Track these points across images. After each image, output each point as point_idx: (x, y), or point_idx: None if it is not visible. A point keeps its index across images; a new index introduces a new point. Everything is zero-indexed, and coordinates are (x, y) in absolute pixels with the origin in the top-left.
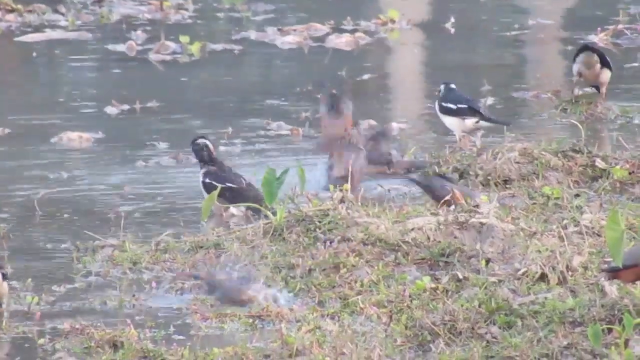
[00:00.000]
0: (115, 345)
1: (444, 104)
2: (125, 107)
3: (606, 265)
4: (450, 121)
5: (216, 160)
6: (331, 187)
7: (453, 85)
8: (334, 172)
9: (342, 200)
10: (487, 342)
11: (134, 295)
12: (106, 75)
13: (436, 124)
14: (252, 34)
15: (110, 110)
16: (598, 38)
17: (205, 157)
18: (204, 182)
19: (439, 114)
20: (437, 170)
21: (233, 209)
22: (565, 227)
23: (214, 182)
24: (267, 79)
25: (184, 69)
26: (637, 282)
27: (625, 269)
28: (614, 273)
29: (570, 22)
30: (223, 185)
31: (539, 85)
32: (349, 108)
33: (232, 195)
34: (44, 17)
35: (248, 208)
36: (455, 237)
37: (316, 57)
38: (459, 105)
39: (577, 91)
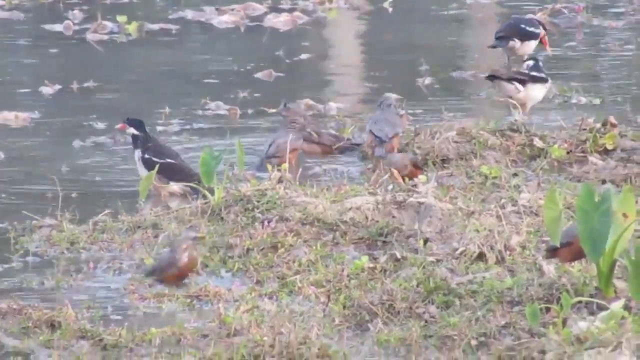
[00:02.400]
0: (53, 326)
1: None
2: (58, 87)
3: (545, 245)
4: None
5: (152, 138)
6: (269, 166)
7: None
8: (269, 151)
9: (280, 180)
10: (425, 321)
11: (71, 276)
12: (43, 55)
13: (375, 102)
14: (189, 14)
15: (45, 90)
16: (537, 17)
17: (141, 137)
18: (143, 158)
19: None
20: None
21: (174, 186)
22: (503, 207)
23: (153, 158)
24: (204, 58)
25: (121, 49)
26: (574, 261)
27: (563, 247)
28: (552, 252)
29: (508, 1)
30: (162, 161)
31: (477, 64)
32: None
33: (172, 171)
34: None
35: (187, 187)
36: (394, 217)
37: (254, 36)
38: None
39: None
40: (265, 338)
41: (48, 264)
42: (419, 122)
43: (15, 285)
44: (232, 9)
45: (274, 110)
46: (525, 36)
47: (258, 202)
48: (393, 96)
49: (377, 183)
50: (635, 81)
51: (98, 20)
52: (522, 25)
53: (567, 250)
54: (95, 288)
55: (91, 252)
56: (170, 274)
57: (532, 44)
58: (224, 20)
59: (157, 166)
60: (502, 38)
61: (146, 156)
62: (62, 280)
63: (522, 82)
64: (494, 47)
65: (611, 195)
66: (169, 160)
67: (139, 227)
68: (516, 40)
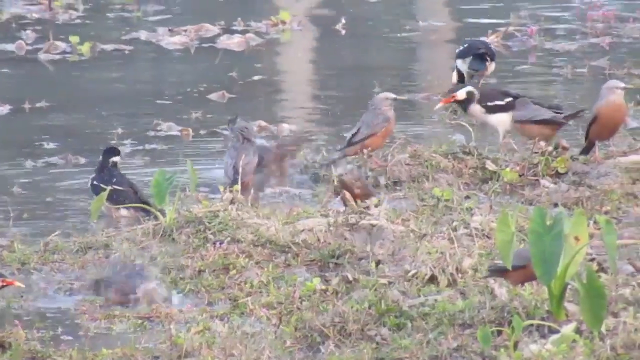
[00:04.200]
0: (3, 347)
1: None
2: (9, 107)
3: (492, 266)
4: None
5: (108, 167)
6: (221, 187)
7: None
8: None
9: (232, 202)
10: (377, 343)
11: (21, 296)
12: None
13: (328, 124)
14: (143, 34)
15: None
16: (489, 40)
17: (99, 163)
18: (92, 185)
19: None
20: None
21: (123, 210)
22: (455, 229)
23: (101, 185)
24: (157, 79)
25: (74, 69)
26: (526, 284)
27: (515, 270)
28: (502, 274)
29: (461, 23)
30: (110, 187)
31: (429, 87)
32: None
33: (119, 196)
34: None
35: (138, 209)
36: (346, 239)
37: (207, 57)
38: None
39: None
40: (216, 359)
41: None
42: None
43: None
44: (185, 30)
45: (226, 132)
46: (494, 56)
47: (210, 223)
48: (383, 96)
49: (329, 205)
50: (587, 105)
51: (50, 40)
52: (490, 45)
53: (519, 272)
54: (46, 308)
55: (42, 273)
56: (123, 301)
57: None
58: (174, 41)
59: (107, 191)
60: (481, 57)
61: (95, 182)
62: (13, 301)
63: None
64: (475, 70)
65: (563, 219)
66: (115, 186)
67: (90, 247)
68: (489, 60)
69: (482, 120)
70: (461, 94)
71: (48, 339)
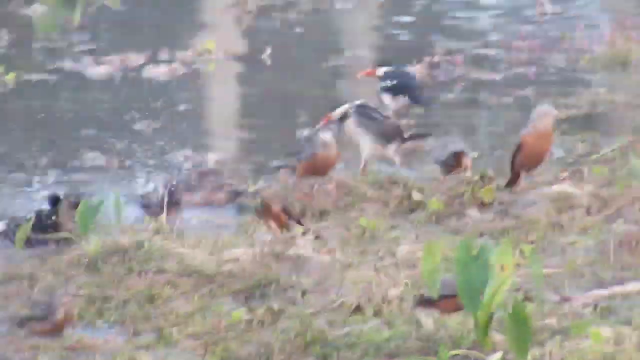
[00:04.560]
0: None
1: None
2: None
3: (419, 296)
4: None
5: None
6: (146, 218)
7: None
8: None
9: (158, 231)
10: None
11: None
12: None
13: (254, 153)
14: (68, 64)
15: None
16: (415, 70)
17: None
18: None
19: None
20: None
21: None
22: (381, 259)
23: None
24: (82, 109)
25: None
26: (452, 313)
27: (443, 300)
28: (431, 304)
29: (387, 53)
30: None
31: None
32: None
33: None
34: None
35: (62, 239)
36: (272, 269)
37: (133, 87)
38: None
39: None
40: None
41: None
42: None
43: None
44: (111, 60)
45: (152, 162)
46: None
47: (135, 253)
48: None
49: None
50: (511, 133)
51: None
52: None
53: (448, 302)
54: None
55: None
56: (44, 329)
57: None
58: (100, 71)
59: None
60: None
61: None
62: None
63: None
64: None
65: (489, 248)
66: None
67: (14, 278)
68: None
69: (355, 138)
70: (336, 113)
71: None
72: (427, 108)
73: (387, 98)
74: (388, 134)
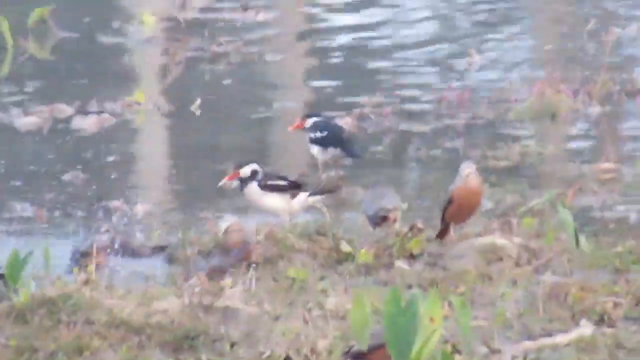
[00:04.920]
0: None
1: None
2: None
3: (348, 348)
4: None
5: None
6: (74, 269)
7: None
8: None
9: (86, 282)
10: None
11: None
12: None
13: (182, 205)
14: None
15: None
16: (344, 121)
17: None
18: None
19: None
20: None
21: None
22: (309, 311)
23: None
24: (10, 160)
25: None
26: None
27: (373, 352)
28: (361, 356)
29: (316, 105)
30: None
31: (284, 168)
32: None
33: None
34: None
35: None
36: (200, 320)
37: (61, 138)
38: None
39: (324, 175)
40: None
41: None
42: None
43: None
44: (40, 111)
45: (80, 213)
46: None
47: (63, 304)
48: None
49: (184, 286)
50: (441, 185)
51: None
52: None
53: (378, 353)
54: None
55: None
56: None
57: None
58: (28, 122)
59: None
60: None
61: None
62: None
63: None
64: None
65: (418, 300)
66: None
67: None
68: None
69: (257, 202)
70: (245, 171)
71: None
72: (357, 159)
73: (316, 149)
74: (293, 189)
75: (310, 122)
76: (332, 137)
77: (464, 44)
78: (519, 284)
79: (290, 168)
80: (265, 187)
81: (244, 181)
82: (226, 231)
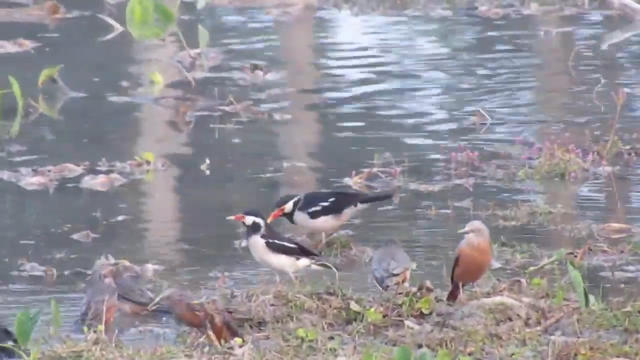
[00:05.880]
0: None
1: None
2: None
3: None
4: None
5: None
6: (84, 328)
7: None
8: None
9: (96, 342)
10: None
11: None
12: None
13: (192, 264)
14: (5, 174)
15: None
16: (352, 181)
17: None
18: None
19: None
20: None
21: None
22: None
23: None
24: (20, 219)
25: None
26: None
27: None
28: None
29: (325, 164)
30: None
31: (292, 227)
32: None
33: None
34: None
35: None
36: None
37: (70, 197)
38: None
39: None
40: None
41: None
42: (237, 284)
43: None
44: (50, 170)
45: (90, 272)
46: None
47: None
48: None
49: (194, 345)
50: (450, 244)
51: None
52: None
53: None
54: None
55: None
56: None
57: None
58: (36, 181)
59: None
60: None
61: None
62: None
63: None
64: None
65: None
66: None
67: None
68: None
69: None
70: (289, 207)
71: None
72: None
73: (322, 220)
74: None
75: (290, 205)
76: (345, 198)
77: (472, 103)
78: (528, 344)
79: (295, 228)
80: (271, 245)
81: (248, 232)
82: (168, 299)
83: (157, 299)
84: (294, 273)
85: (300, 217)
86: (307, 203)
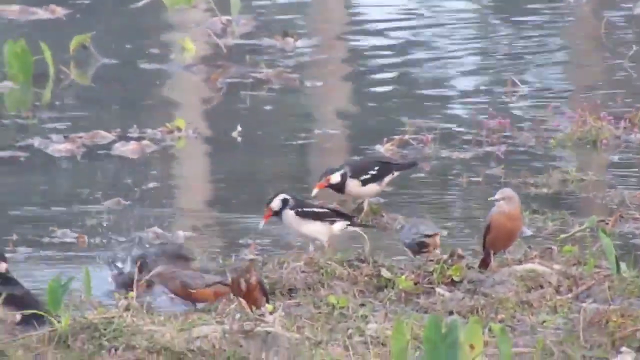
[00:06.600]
0: None
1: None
2: None
3: None
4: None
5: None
6: (116, 294)
7: None
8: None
9: (127, 308)
10: None
11: None
12: None
13: (223, 232)
14: (37, 142)
15: None
16: (384, 148)
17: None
18: None
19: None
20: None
21: (18, 316)
22: (350, 337)
23: None
24: (51, 186)
25: None
26: None
27: None
28: None
29: (357, 132)
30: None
31: (324, 194)
32: None
33: (14, 301)
34: None
35: (32, 315)
36: (241, 346)
37: (102, 164)
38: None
39: (366, 204)
40: None
41: None
42: (267, 251)
43: None
44: (80, 137)
45: (122, 239)
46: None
47: (105, 329)
48: None
49: (225, 311)
50: (481, 212)
51: None
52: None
53: None
54: None
55: None
56: None
57: None
58: (71, 148)
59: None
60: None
61: None
62: None
63: None
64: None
65: (458, 327)
66: (12, 292)
67: None
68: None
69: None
70: (335, 177)
71: None
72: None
73: (368, 188)
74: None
75: (336, 176)
76: (386, 166)
77: (504, 71)
78: (559, 311)
79: (329, 196)
80: (301, 214)
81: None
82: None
83: (148, 276)
84: (328, 239)
85: (352, 184)
86: (356, 172)
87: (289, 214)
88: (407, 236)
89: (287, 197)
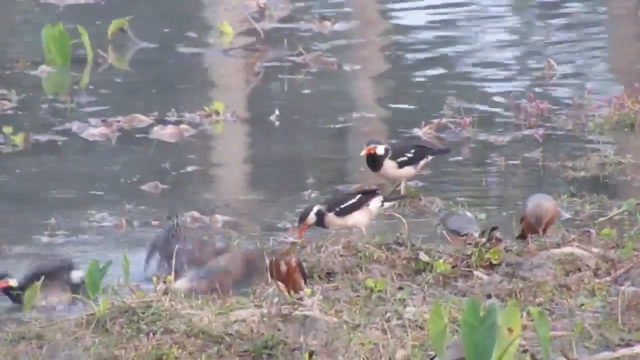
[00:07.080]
0: None
1: None
2: None
3: (426, 358)
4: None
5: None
6: (154, 278)
7: None
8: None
9: (165, 292)
10: None
11: None
12: None
13: (261, 215)
14: (75, 125)
15: None
16: (422, 132)
17: None
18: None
19: None
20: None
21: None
22: (388, 320)
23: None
24: (89, 170)
25: (7, 160)
26: None
27: None
28: None
29: (395, 115)
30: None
31: (362, 178)
32: None
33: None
34: None
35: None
36: (279, 330)
37: (140, 148)
38: None
39: (403, 185)
40: None
41: None
42: (305, 236)
43: None
44: (118, 121)
45: (157, 222)
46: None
47: (143, 313)
48: None
49: (263, 295)
50: (519, 196)
51: None
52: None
53: None
54: None
55: None
56: None
57: None
58: (108, 132)
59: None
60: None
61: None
62: None
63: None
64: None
65: (496, 310)
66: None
67: (23, 337)
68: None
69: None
70: (380, 150)
71: None
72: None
73: (405, 170)
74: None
75: (381, 148)
76: (422, 150)
77: (543, 54)
78: (598, 295)
79: (366, 178)
80: (339, 213)
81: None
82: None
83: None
84: (368, 222)
85: (389, 165)
86: (395, 153)
87: (330, 217)
88: (454, 223)
89: (320, 207)
